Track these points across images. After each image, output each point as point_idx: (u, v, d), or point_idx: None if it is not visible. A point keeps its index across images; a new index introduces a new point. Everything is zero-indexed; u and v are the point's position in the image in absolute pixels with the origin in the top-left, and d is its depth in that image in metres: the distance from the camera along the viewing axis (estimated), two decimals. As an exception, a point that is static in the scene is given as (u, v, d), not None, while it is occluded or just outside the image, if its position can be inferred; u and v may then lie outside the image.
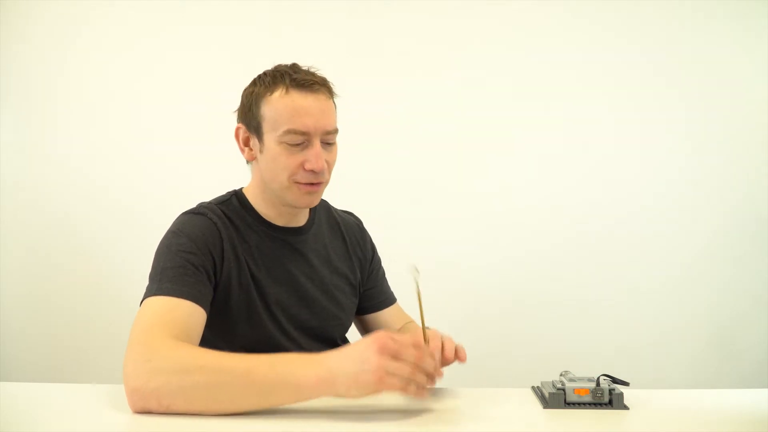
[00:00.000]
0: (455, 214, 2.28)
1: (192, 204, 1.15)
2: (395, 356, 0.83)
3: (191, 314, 0.97)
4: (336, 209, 1.32)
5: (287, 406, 0.87)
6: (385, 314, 1.32)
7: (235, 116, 1.17)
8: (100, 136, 2.27)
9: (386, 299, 1.34)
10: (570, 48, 2.28)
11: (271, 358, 0.86)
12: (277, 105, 1.07)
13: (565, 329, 2.26)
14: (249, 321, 1.09)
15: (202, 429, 0.82)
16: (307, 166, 1.06)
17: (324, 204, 1.28)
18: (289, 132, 1.06)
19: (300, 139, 1.06)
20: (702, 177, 2.29)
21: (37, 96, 2.28)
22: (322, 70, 1.14)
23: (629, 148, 2.30)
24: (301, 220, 1.19)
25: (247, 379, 0.84)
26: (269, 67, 1.13)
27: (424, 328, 0.98)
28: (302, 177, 1.08)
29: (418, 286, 0.93)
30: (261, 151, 1.10)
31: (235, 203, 1.15)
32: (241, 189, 1.19)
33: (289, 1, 2.27)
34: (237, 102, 1.16)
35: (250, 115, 1.11)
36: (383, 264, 1.36)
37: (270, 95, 1.08)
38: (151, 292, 0.98)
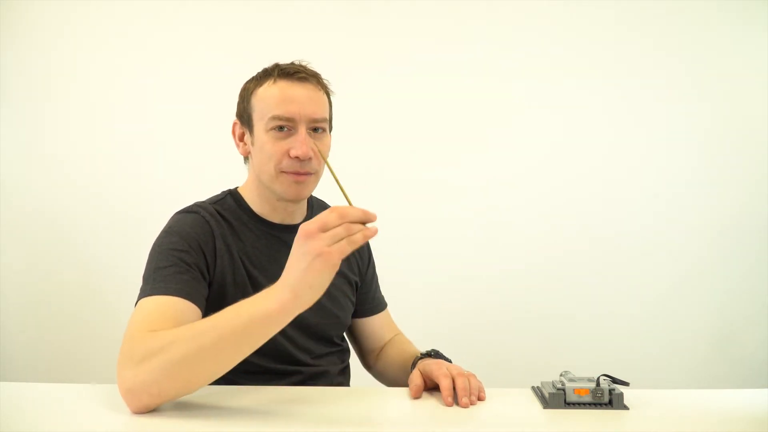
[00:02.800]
0: (456, 216, 2.28)
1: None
2: (322, 229, 0.82)
3: (183, 310, 0.96)
4: None
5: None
6: (374, 320, 1.32)
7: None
8: (99, 136, 2.26)
9: (377, 305, 1.33)
10: (569, 49, 2.28)
11: (231, 307, 0.86)
12: (265, 95, 1.10)
13: (566, 329, 2.26)
14: None
15: (202, 429, 0.82)
16: (292, 152, 1.07)
17: (322, 204, 1.28)
18: (274, 118, 1.07)
19: (285, 125, 1.07)
20: (704, 179, 2.28)
21: (36, 96, 2.27)
22: (323, 70, 1.15)
23: (630, 150, 2.29)
24: (297, 217, 1.18)
25: (216, 334, 0.83)
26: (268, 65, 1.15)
27: (346, 196, 0.92)
28: (288, 165, 1.08)
29: (329, 165, 0.97)
30: (252, 144, 1.12)
31: (230, 202, 1.16)
32: (236, 188, 1.19)
33: (290, 0, 2.27)
34: (235, 104, 1.18)
35: (242, 110, 1.14)
36: (380, 267, 1.35)
37: (259, 87, 1.11)
38: (144, 293, 0.98)
